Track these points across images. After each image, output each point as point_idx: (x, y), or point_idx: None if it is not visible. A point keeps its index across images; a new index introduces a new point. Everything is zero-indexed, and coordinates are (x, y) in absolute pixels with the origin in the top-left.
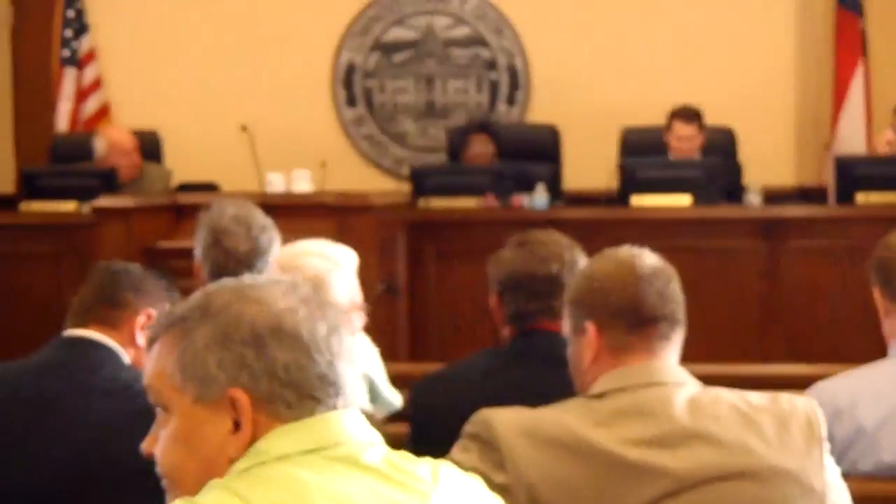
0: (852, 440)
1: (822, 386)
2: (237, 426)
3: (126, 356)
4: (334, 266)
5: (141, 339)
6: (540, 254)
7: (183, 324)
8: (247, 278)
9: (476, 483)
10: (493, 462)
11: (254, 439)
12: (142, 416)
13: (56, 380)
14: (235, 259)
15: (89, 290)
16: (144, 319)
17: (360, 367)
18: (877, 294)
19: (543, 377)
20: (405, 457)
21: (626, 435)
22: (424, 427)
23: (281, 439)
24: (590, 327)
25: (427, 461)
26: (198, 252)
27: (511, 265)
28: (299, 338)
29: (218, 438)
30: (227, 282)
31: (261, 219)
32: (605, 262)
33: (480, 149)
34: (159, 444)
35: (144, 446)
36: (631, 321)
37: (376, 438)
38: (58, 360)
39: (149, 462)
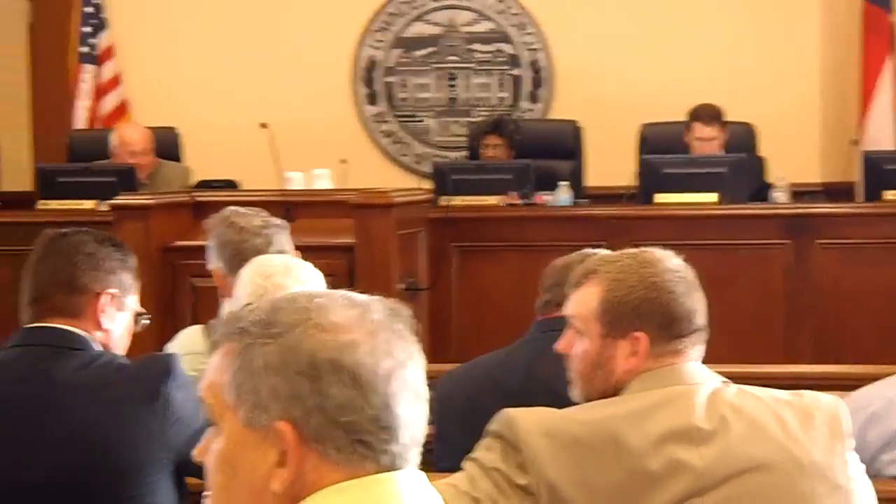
0: (886, 444)
1: (859, 391)
2: (283, 460)
3: (95, 343)
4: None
5: (106, 321)
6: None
7: (243, 337)
8: (319, 294)
9: None
10: (516, 463)
11: (299, 478)
12: (119, 405)
13: (28, 381)
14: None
15: (44, 275)
16: (109, 300)
17: None
18: None
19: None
20: None
21: (652, 434)
22: (445, 418)
23: (332, 501)
24: (641, 337)
25: None
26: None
27: (553, 263)
28: (357, 376)
29: (263, 468)
30: (298, 295)
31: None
32: (652, 270)
33: (491, 151)
34: (208, 459)
35: (196, 454)
36: (678, 331)
37: (434, 500)
38: (25, 359)
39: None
